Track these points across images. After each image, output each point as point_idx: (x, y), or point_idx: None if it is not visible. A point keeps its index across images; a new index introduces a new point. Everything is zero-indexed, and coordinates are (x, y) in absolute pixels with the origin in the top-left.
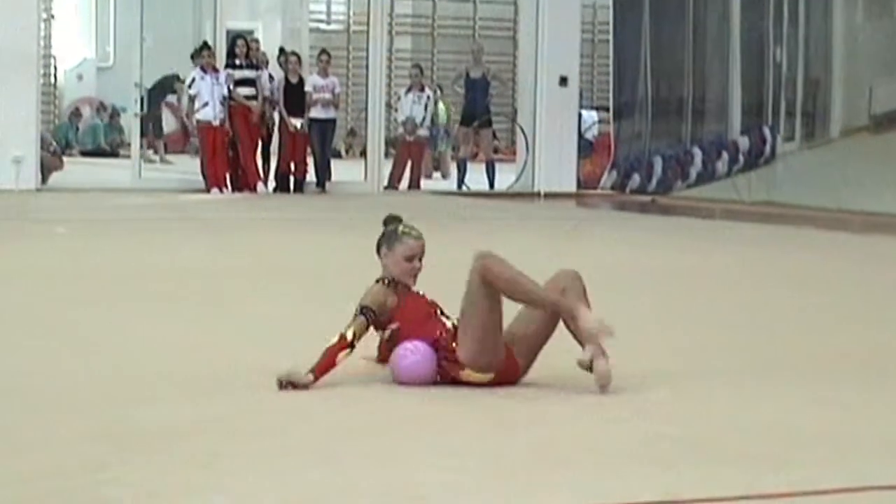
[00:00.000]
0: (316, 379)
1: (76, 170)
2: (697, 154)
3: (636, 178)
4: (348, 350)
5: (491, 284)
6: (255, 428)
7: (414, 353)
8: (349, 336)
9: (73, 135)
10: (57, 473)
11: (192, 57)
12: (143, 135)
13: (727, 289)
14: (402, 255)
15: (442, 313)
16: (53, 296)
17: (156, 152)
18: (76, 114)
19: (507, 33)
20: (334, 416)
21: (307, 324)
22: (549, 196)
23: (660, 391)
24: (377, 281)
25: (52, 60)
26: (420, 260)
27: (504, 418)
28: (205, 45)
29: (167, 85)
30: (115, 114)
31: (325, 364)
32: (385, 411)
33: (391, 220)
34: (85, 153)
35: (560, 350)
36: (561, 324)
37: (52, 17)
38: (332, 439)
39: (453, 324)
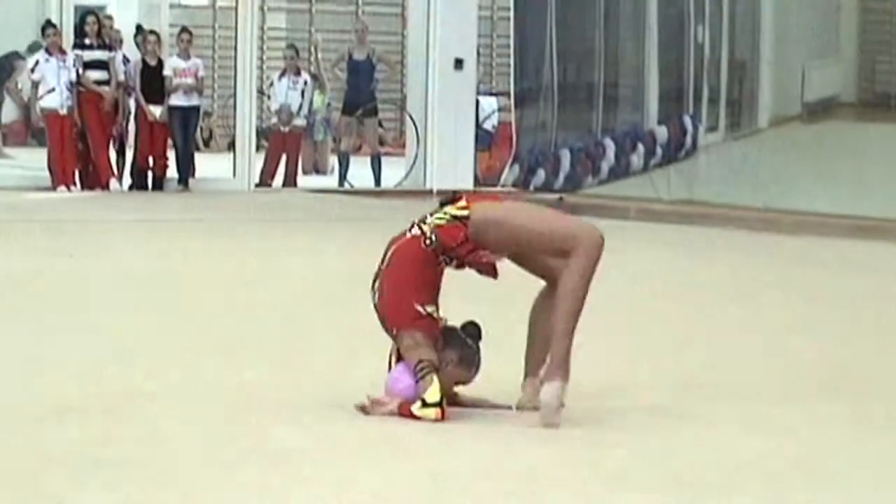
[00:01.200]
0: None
1: None
2: (610, 146)
3: (541, 174)
4: None
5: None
6: None
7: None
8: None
9: None
10: None
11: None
12: None
13: (644, 299)
14: (459, 378)
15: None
16: None
17: None
18: None
19: (395, 10)
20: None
21: (150, 339)
22: (443, 193)
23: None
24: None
25: None
26: None
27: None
28: (48, 23)
29: (5, 66)
30: None
31: None
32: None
33: (473, 335)
34: None
35: None
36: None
37: None
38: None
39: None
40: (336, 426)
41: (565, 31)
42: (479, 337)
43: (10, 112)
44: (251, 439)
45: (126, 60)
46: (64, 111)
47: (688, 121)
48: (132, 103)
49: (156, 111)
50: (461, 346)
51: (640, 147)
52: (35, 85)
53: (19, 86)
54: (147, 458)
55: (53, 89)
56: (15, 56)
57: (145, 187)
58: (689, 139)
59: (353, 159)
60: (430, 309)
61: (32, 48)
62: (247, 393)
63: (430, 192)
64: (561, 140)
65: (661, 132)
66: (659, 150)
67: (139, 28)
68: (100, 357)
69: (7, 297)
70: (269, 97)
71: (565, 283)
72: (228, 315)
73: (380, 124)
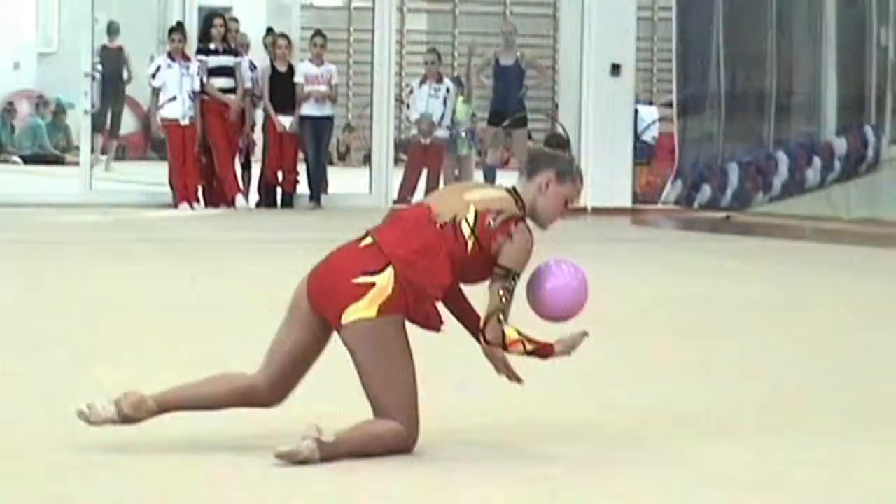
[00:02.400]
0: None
1: (10, 179)
2: (783, 160)
3: (706, 190)
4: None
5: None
6: None
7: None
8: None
9: (6, 136)
10: None
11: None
12: (95, 136)
13: (829, 330)
14: (567, 196)
15: None
16: None
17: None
18: (10, 110)
19: (547, 10)
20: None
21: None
22: (598, 212)
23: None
24: (516, 221)
25: None
26: None
27: None
28: (178, 25)
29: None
30: (59, 110)
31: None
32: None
33: (561, 143)
34: (23, 158)
35: None
36: None
37: None
38: None
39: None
40: None
41: (734, 34)
42: (568, 145)
43: (126, 121)
44: None
45: (253, 67)
46: (186, 121)
47: (869, 132)
48: (260, 113)
49: (285, 121)
50: (552, 159)
51: (817, 161)
52: (155, 93)
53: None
54: None
55: (175, 98)
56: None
57: (274, 204)
58: (870, 152)
59: (499, 173)
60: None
61: None
62: None
63: (584, 209)
64: (728, 153)
65: (840, 144)
66: (837, 164)
67: (268, 31)
68: None
69: (122, 324)
70: (408, 106)
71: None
72: None
73: (529, 136)
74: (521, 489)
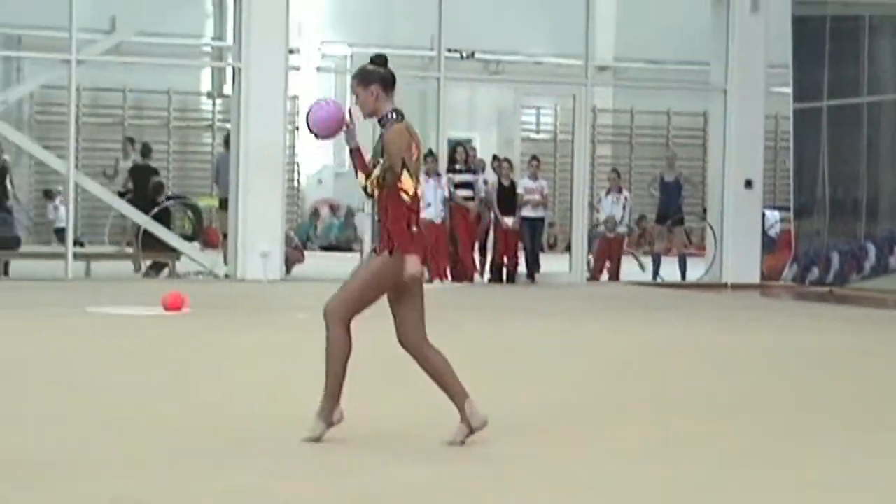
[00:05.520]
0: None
1: (315, 263)
2: (871, 249)
3: (815, 271)
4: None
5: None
6: None
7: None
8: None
9: (312, 232)
10: None
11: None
12: (373, 232)
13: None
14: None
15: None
16: (294, 371)
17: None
18: (315, 213)
19: (698, 141)
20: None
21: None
22: (736, 287)
23: None
24: (396, 122)
25: (296, 167)
26: None
27: None
28: (430, 152)
29: None
30: (349, 213)
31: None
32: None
33: (380, 60)
34: (323, 248)
35: None
36: None
37: (297, 128)
38: None
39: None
40: None
41: (835, 158)
42: (385, 62)
43: None
44: None
45: (486, 182)
46: (438, 221)
47: None
48: (491, 215)
49: (509, 221)
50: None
51: None
52: None
53: None
54: None
55: (430, 204)
56: None
57: (501, 280)
58: None
59: (663, 259)
60: None
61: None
62: None
63: (726, 285)
64: (831, 244)
65: None
66: None
67: (496, 156)
68: None
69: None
70: (597, 210)
71: None
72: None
73: (686, 233)
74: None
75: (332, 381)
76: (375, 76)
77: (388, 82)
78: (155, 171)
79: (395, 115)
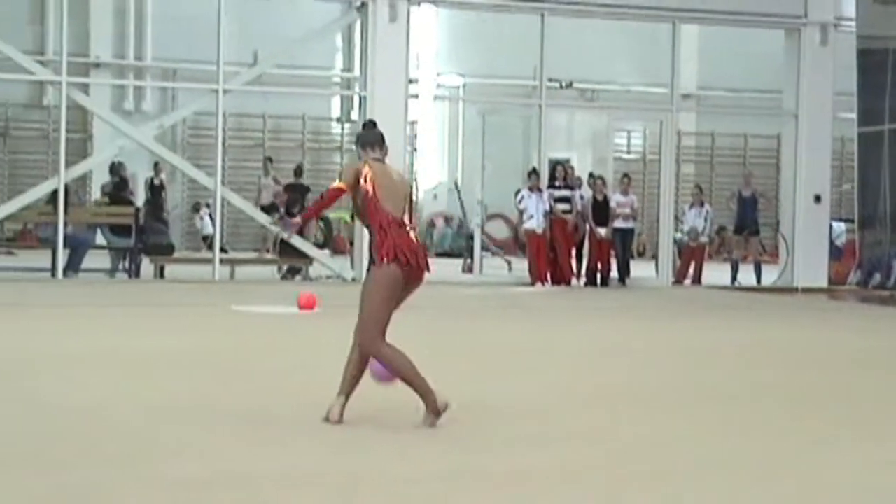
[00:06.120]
0: (306, 219)
1: (432, 268)
2: None
3: (877, 277)
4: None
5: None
6: None
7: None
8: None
9: (429, 241)
10: None
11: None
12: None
13: None
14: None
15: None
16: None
17: (493, 255)
18: (432, 224)
19: (772, 160)
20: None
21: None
22: (805, 291)
23: None
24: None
25: (415, 183)
26: None
27: None
28: (533, 170)
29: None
30: (461, 225)
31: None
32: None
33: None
34: (438, 255)
35: None
36: None
37: (416, 150)
38: None
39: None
40: None
41: (895, 175)
42: (374, 125)
43: (501, 230)
44: None
45: (582, 197)
46: (540, 231)
47: None
48: (587, 226)
49: (603, 231)
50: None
51: None
52: (520, 213)
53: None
54: None
55: (533, 216)
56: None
57: (595, 284)
58: None
59: (741, 266)
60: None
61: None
62: None
63: (797, 289)
64: (893, 253)
65: None
66: None
67: (591, 174)
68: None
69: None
70: (682, 222)
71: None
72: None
73: (760, 243)
74: None
75: (419, 384)
76: (357, 139)
77: (367, 142)
78: (308, 189)
79: (361, 160)
